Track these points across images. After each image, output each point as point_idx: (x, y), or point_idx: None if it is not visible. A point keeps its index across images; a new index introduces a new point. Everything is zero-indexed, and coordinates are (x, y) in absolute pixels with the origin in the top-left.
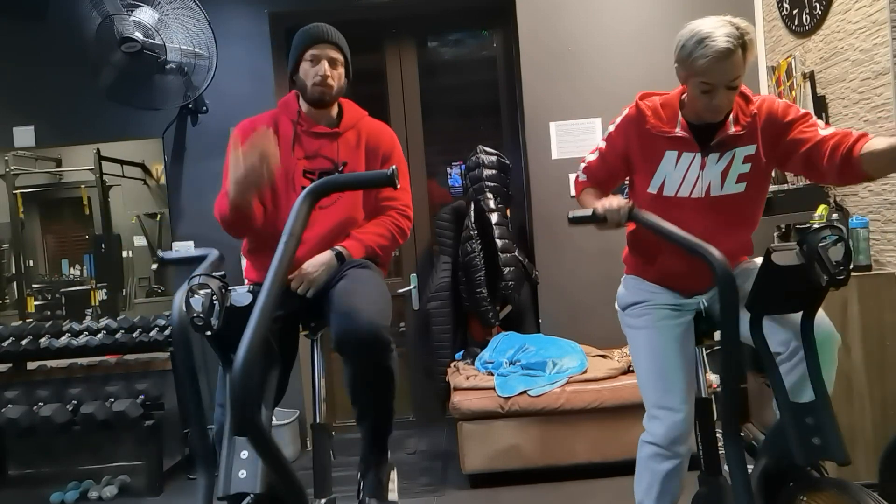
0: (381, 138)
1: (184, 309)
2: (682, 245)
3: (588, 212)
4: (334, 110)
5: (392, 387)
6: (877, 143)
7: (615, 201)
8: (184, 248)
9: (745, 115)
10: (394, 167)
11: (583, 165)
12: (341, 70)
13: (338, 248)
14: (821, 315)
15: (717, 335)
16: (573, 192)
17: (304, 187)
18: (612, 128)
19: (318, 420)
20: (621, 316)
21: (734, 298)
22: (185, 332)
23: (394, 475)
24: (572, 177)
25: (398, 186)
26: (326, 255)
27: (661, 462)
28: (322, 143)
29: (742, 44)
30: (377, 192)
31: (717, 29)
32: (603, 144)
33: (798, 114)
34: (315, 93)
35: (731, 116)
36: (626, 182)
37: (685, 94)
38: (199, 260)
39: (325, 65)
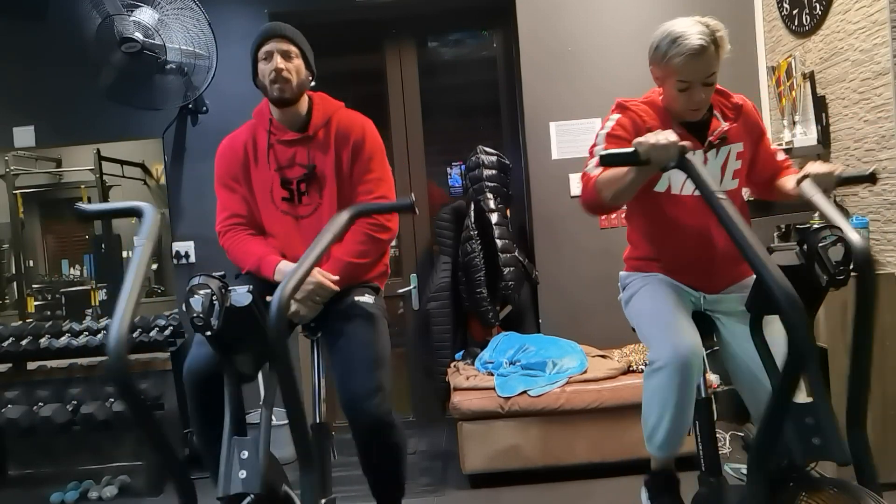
0: (351, 127)
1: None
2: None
3: (627, 150)
4: (303, 107)
5: (401, 460)
6: (784, 181)
7: (667, 135)
8: (184, 248)
9: (729, 108)
10: (413, 196)
11: (587, 166)
12: (298, 62)
13: (314, 273)
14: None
15: (716, 336)
16: (573, 193)
17: (283, 198)
18: (609, 126)
19: (318, 420)
20: (622, 295)
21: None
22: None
23: None
24: (572, 177)
25: (417, 213)
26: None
27: (672, 377)
28: (295, 150)
29: (714, 40)
30: (355, 188)
31: (688, 28)
32: (604, 144)
33: (763, 128)
34: (274, 90)
35: (715, 113)
36: None
37: (661, 97)
38: (123, 212)
39: (277, 58)
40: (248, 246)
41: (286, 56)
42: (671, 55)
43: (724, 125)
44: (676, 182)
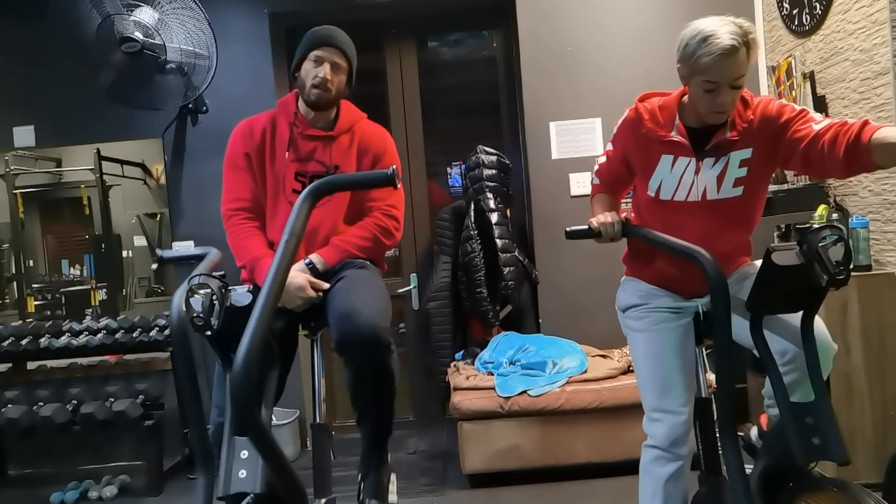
0: (373, 140)
1: (183, 308)
2: (676, 252)
3: (584, 227)
4: (331, 113)
5: (392, 388)
6: (889, 133)
7: (609, 216)
8: (184, 248)
9: (742, 121)
10: (394, 166)
11: (595, 168)
12: (343, 77)
13: (309, 257)
14: (819, 324)
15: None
16: (573, 192)
17: (294, 190)
18: (615, 130)
19: (318, 420)
20: (621, 317)
21: (726, 301)
22: (184, 332)
23: (393, 477)
24: (572, 177)
25: (397, 186)
26: (296, 268)
27: (662, 465)
28: (316, 145)
29: (746, 42)
30: (364, 193)
31: (720, 27)
32: (610, 147)
33: (793, 113)
34: (312, 94)
35: (727, 121)
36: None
37: (686, 97)
38: (198, 258)
39: (327, 67)
40: (248, 241)
41: (335, 68)
42: (700, 54)
43: (726, 135)
44: (667, 188)
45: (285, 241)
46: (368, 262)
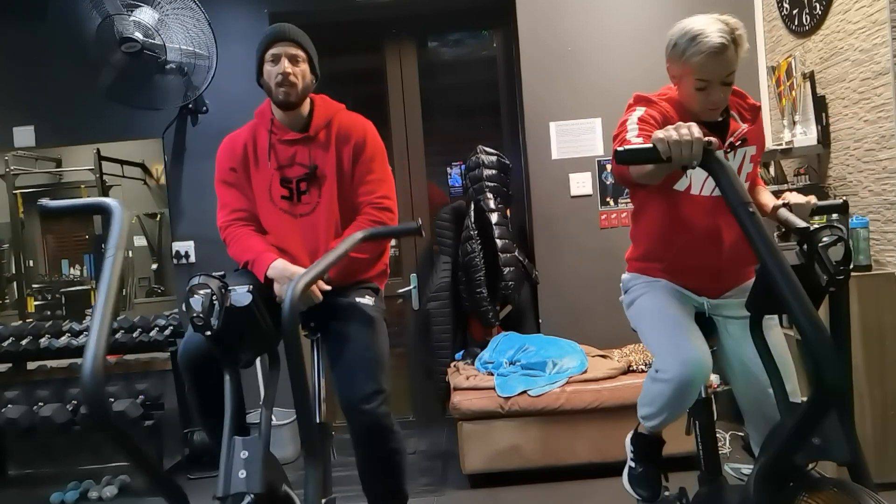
0: (352, 129)
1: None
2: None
3: (646, 146)
4: (305, 108)
5: (400, 466)
6: (762, 196)
7: (691, 128)
8: (183, 248)
9: (746, 109)
10: (419, 220)
11: (625, 131)
12: (304, 66)
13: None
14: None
15: (717, 336)
16: (573, 193)
17: (283, 196)
18: (640, 112)
19: (318, 420)
20: (625, 299)
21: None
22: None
23: None
24: (572, 177)
25: (423, 235)
26: (297, 270)
27: (676, 391)
28: (296, 149)
29: (734, 39)
30: (354, 188)
31: (708, 26)
32: (641, 112)
33: (763, 147)
34: (279, 94)
35: (732, 114)
36: None
37: (678, 94)
38: (88, 209)
39: (284, 62)
40: (248, 241)
41: (293, 60)
42: (690, 53)
43: (744, 126)
44: (697, 181)
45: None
46: (374, 310)
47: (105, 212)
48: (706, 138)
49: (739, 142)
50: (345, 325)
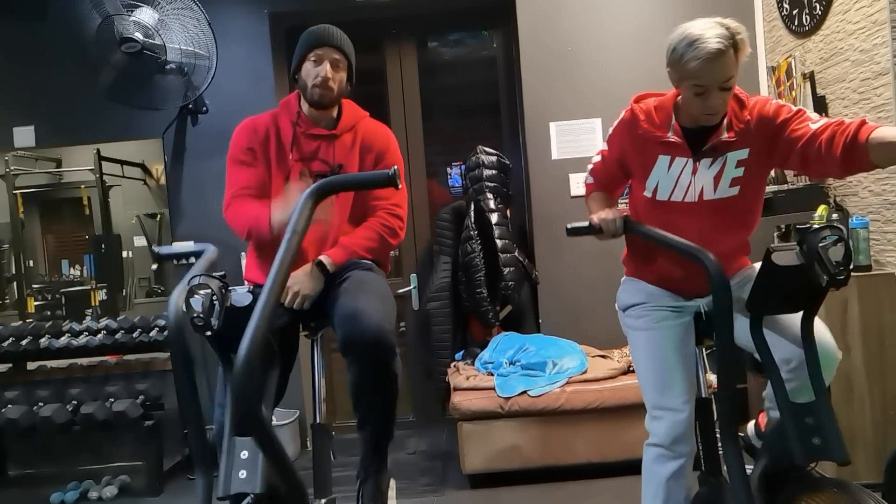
0: (376, 138)
1: (182, 308)
2: (677, 251)
3: (584, 223)
4: (334, 111)
5: (395, 390)
6: (887, 132)
7: (610, 213)
8: (181, 246)
9: (739, 121)
10: (395, 167)
11: (589, 167)
12: (343, 74)
13: (319, 258)
14: (826, 333)
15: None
16: (573, 193)
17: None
18: (611, 130)
19: (318, 420)
20: (621, 317)
21: (728, 301)
22: (182, 331)
23: (392, 483)
24: (572, 177)
25: (399, 186)
26: (307, 268)
27: (664, 463)
28: (319, 144)
29: (733, 44)
30: (368, 192)
31: (707, 30)
32: (605, 147)
33: (790, 113)
34: (315, 94)
35: (724, 121)
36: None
37: (680, 97)
38: (195, 255)
39: (327, 66)
40: (248, 208)
41: (335, 66)
42: (687, 58)
43: (724, 136)
44: (664, 189)
45: (287, 238)
46: (373, 264)
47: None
48: (622, 214)
49: (711, 150)
50: (345, 277)
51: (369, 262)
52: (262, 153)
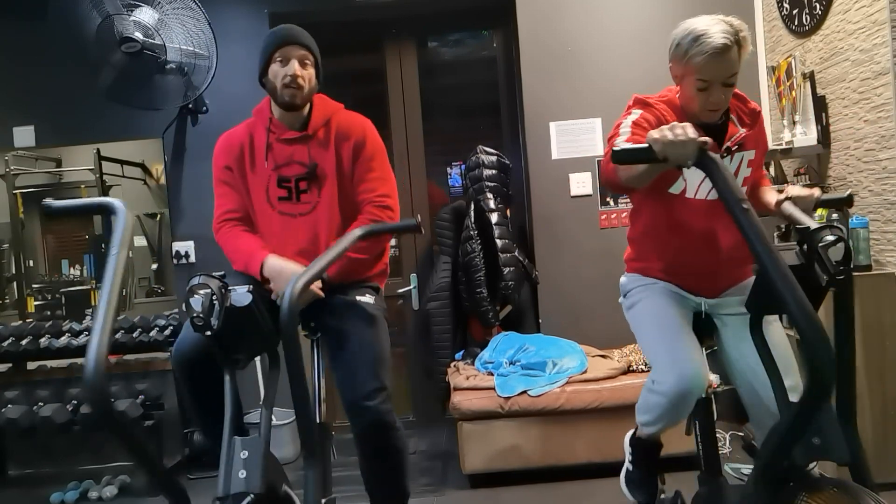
0: (351, 127)
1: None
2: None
3: (642, 146)
4: (305, 108)
5: (402, 464)
6: (767, 194)
7: (686, 129)
8: (184, 248)
9: (746, 114)
10: (419, 216)
11: (618, 134)
12: (311, 71)
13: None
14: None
15: (716, 336)
16: (573, 192)
17: (280, 198)
18: (635, 115)
19: (318, 420)
20: (623, 302)
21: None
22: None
23: None
24: (572, 177)
25: (423, 232)
26: (294, 267)
27: (673, 403)
28: (294, 148)
29: (737, 40)
30: (354, 186)
31: (711, 26)
32: (637, 115)
33: (766, 147)
34: (286, 94)
35: (731, 117)
36: None
37: (678, 95)
38: (92, 209)
39: (294, 64)
40: (239, 242)
41: (303, 63)
42: (692, 53)
43: (742, 131)
44: (692, 184)
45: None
46: (376, 309)
47: (108, 211)
48: (701, 138)
49: (736, 146)
50: (345, 322)
51: (369, 294)
52: (238, 170)
